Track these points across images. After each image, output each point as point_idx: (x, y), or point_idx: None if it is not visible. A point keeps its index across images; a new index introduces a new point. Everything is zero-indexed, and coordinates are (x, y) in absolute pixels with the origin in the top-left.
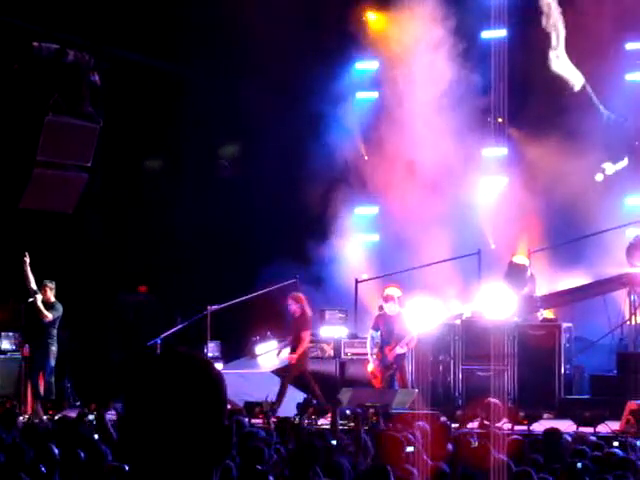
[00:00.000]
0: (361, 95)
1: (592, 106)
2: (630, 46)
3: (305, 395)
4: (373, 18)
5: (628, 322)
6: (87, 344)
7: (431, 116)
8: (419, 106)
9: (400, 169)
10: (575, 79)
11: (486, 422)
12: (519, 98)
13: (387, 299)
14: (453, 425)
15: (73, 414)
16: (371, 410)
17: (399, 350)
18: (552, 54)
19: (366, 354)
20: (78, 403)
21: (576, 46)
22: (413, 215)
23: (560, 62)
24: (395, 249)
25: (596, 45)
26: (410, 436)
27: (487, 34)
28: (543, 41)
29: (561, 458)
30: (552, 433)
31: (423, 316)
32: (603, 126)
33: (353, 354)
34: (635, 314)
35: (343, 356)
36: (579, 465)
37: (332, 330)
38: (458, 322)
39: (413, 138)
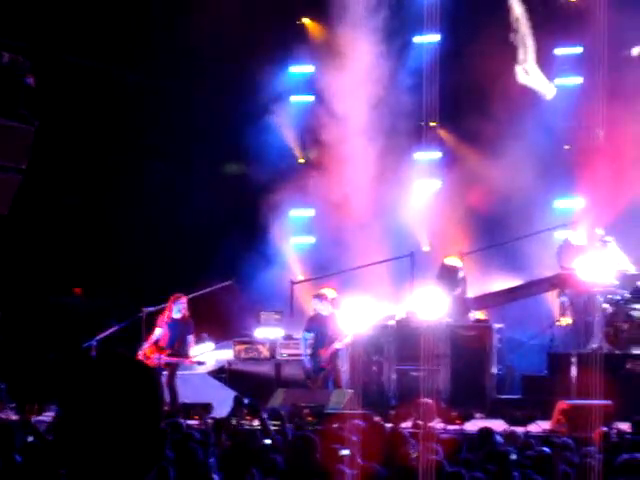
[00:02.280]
0: (296, 98)
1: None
2: (559, 51)
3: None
4: (308, 23)
5: (558, 323)
6: (21, 345)
7: (365, 119)
8: (353, 110)
9: (335, 172)
10: (546, 90)
11: (419, 422)
12: (452, 103)
13: (320, 297)
14: (387, 425)
15: (7, 416)
16: (305, 410)
17: (337, 345)
18: (520, 66)
19: (301, 355)
20: (13, 405)
21: None
22: (348, 217)
23: (528, 74)
24: (330, 251)
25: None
26: (345, 435)
27: (419, 39)
28: (505, 52)
29: (495, 457)
30: (486, 432)
31: (357, 317)
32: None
33: (289, 355)
34: (565, 315)
35: (279, 357)
36: (513, 457)
37: (268, 331)
38: (392, 323)
39: (347, 141)
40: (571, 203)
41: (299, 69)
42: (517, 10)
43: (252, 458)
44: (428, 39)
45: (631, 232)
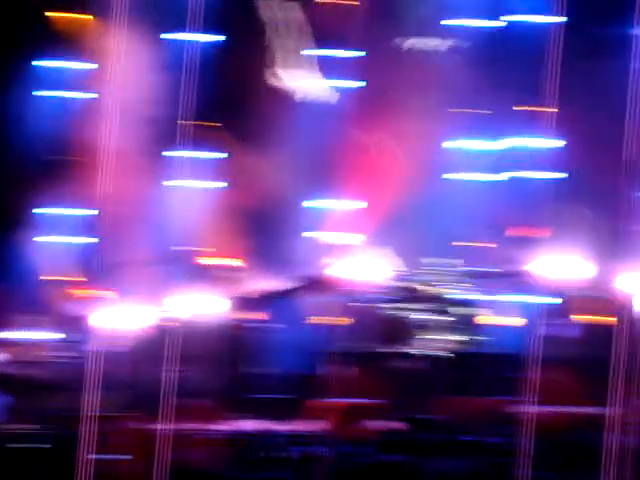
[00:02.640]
0: (45, 93)
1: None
2: (334, 54)
3: None
4: (59, 16)
5: (322, 322)
6: None
7: (126, 117)
8: (113, 106)
9: (97, 169)
10: (319, 92)
11: (197, 422)
12: (220, 103)
13: (79, 299)
14: (160, 427)
15: None
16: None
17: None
18: (276, 69)
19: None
20: None
21: None
22: (119, 217)
23: (298, 78)
24: (103, 250)
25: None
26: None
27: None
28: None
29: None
30: (260, 431)
31: (133, 317)
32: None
33: (52, 357)
34: (329, 315)
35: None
36: (294, 455)
37: (30, 334)
38: (172, 323)
39: (106, 138)
40: (336, 205)
41: (47, 63)
42: (280, 14)
43: None
44: (196, 37)
45: (393, 235)
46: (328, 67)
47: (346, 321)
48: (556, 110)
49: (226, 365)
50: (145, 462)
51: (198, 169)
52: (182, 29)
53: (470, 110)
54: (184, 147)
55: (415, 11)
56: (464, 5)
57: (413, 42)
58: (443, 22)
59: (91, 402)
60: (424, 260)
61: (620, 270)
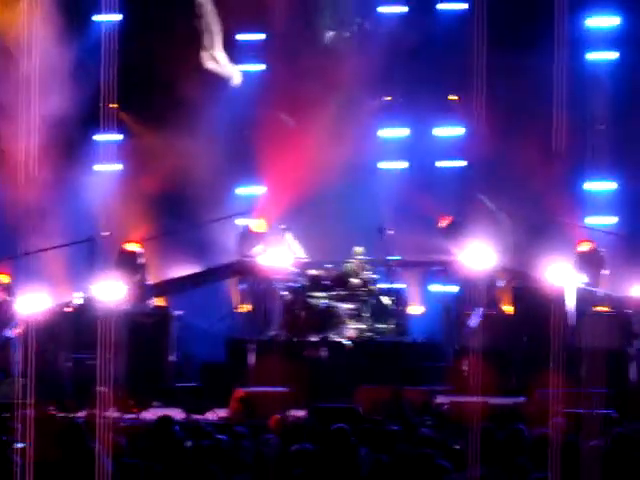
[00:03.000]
0: None
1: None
2: (242, 37)
3: None
4: None
5: (238, 310)
6: None
7: (43, 99)
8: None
9: (13, 154)
10: (232, 76)
11: (94, 411)
12: (135, 86)
13: None
14: (61, 414)
15: None
16: None
17: (7, 334)
18: (207, 52)
19: None
20: None
21: None
22: (27, 200)
23: (214, 60)
24: (4, 234)
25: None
26: (15, 426)
27: (99, 18)
28: (192, 37)
29: (172, 446)
30: (163, 421)
31: (32, 303)
32: None
33: None
34: (244, 302)
35: None
36: (188, 444)
37: None
38: (68, 310)
39: (24, 123)
40: (253, 190)
41: None
42: None
43: None
44: (108, 18)
45: (313, 221)
46: (245, 51)
47: (260, 308)
48: (478, 100)
49: (136, 353)
50: (58, 451)
51: (110, 152)
52: (99, 11)
53: (389, 98)
54: (103, 130)
55: None
56: None
57: (333, 28)
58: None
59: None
60: (347, 248)
61: (543, 260)
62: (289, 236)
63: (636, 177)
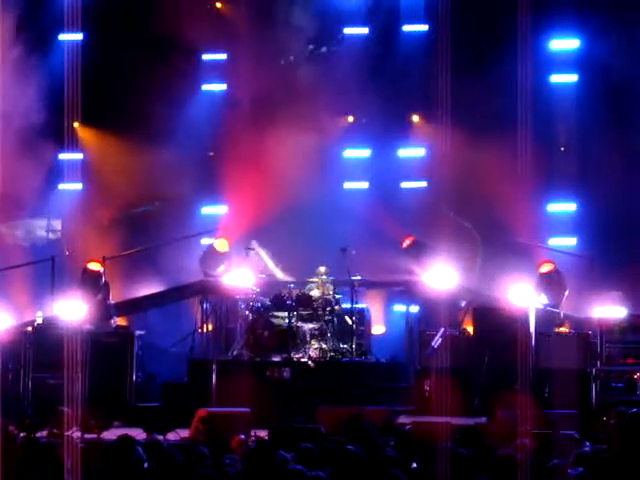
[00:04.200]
0: None
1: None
2: (205, 57)
3: None
4: None
5: (200, 330)
6: None
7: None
8: None
9: None
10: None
11: (55, 431)
12: (97, 102)
13: None
14: (21, 434)
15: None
16: None
17: None
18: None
19: None
20: None
21: None
22: None
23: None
24: None
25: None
26: None
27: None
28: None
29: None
30: (125, 441)
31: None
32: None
33: None
34: (207, 322)
35: None
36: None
37: None
38: (30, 329)
39: None
40: (217, 210)
41: None
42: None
43: None
44: (72, 37)
45: (276, 241)
46: (209, 70)
47: (223, 328)
48: (441, 120)
49: (98, 372)
50: (19, 471)
51: (73, 171)
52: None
53: (352, 119)
54: (66, 149)
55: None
56: (350, 11)
57: (297, 48)
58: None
59: None
60: (311, 268)
61: (505, 281)
62: (256, 255)
63: (596, 199)
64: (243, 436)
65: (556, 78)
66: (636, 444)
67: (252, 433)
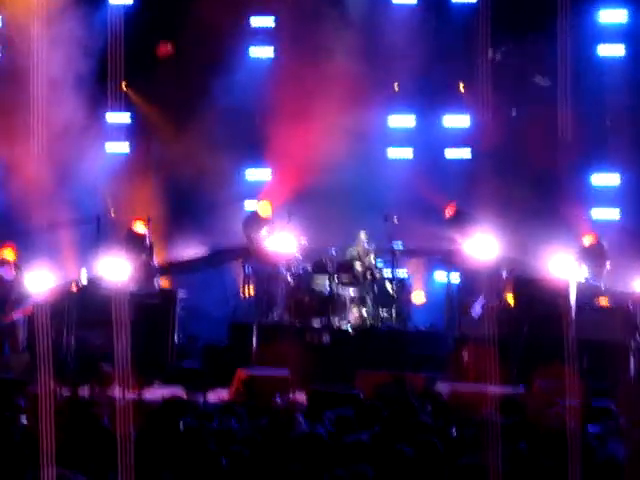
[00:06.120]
0: None
1: None
2: (254, 21)
3: None
4: None
5: (241, 294)
6: None
7: (54, 76)
8: (40, 65)
9: (18, 128)
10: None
11: (97, 388)
12: (143, 66)
13: (2, 263)
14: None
15: None
16: None
17: (19, 312)
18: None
19: None
20: None
21: None
22: (29, 177)
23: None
24: (10, 212)
25: None
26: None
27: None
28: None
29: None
30: (171, 400)
31: (40, 281)
32: None
33: None
34: (248, 286)
35: None
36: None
37: None
38: (74, 288)
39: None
40: (261, 174)
41: None
42: None
43: None
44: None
45: (319, 207)
46: (256, 35)
47: (264, 292)
48: (485, 89)
49: (140, 333)
50: (61, 429)
51: (119, 132)
52: None
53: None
54: (116, 110)
55: None
56: None
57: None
58: None
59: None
60: (353, 234)
61: (546, 252)
62: (303, 223)
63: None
64: (279, 398)
65: (603, 50)
66: None
67: (289, 395)
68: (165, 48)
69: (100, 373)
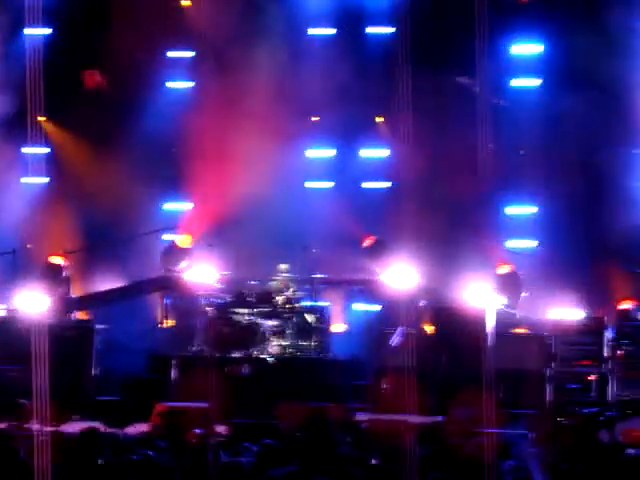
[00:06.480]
0: None
1: None
2: (170, 54)
3: None
4: None
5: (160, 325)
6: None
7: None
8: None
9: None
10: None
11: (15, 423)
12: (59, 96)
13: None
14: None
15: None
16: None
17: None
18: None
19: None
20: None
21: None
22: None
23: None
24: None
25: None
26: None
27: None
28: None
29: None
30: (88, 433)
31: None
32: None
33: None
34: (167, 317)
35: None
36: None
37: None
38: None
39: None
40: (180, 206)
41: None
42: None
43: None
44: (38, 32)
45: (239, 238)
46: (175, 68)
47: (184, 323)
48: (404, 121)
49: (58, 366)
50: None
51: (37, 165)
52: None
53: (317, 118)
54: (30, 143)
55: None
56: (315, 13)
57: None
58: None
59: None
60: (273, 265)
61: (463, 281)
62: (223, 253)
63: (555, 201)
64: (200, 431)
65: (519, 82)
66: (588, 444)
67: (211, 429)
68: (93, 78)
69: (18, 407)
